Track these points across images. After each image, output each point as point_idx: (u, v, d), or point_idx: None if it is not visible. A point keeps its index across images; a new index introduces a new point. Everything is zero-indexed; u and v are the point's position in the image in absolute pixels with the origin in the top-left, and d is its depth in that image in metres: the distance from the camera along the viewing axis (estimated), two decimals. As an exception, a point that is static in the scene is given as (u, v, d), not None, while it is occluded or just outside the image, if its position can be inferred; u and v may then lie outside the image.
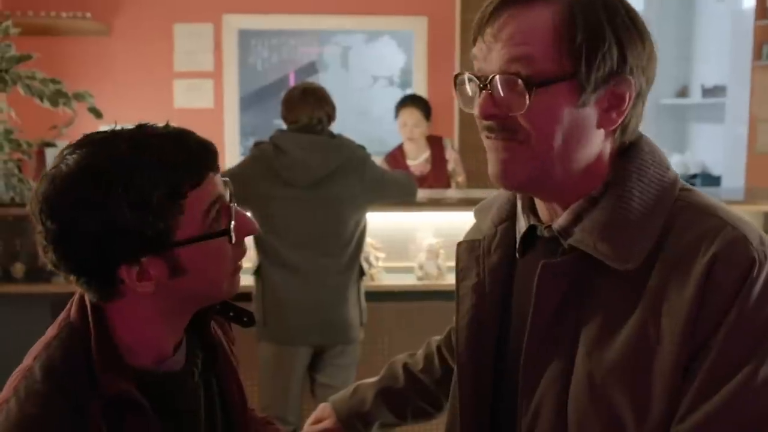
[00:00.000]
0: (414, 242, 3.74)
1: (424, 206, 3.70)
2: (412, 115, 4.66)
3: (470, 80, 1.14)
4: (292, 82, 5.93)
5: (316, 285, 3.11)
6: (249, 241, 3.11)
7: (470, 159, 4.80)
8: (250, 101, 6.03)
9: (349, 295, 3.16)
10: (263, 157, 3.08)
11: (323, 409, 1.63)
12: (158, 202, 1.07)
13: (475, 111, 1.12)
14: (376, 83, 6.11)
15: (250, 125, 6.00)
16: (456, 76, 1.17)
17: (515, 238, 1.25)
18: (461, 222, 3.73)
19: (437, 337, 1.61)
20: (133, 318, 1.15)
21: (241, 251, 1.21)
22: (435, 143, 4.75)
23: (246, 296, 3.13)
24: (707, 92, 5.45)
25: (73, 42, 5.75)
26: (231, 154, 5.77)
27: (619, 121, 1.11)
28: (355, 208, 3.14)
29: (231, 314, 1.33)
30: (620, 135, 1.13)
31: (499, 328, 1.24)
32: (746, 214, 1.12)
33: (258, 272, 3.17)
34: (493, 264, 1.26)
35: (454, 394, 1.31)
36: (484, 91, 1.10)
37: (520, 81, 1.06)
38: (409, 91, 5.68)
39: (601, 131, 1.11)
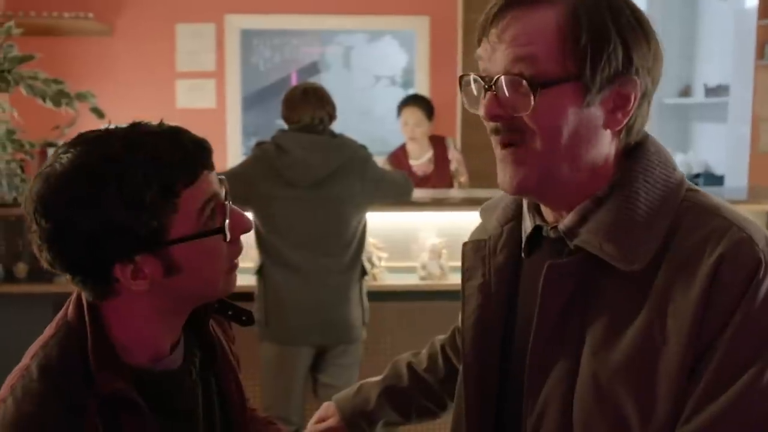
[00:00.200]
0: (417, 242, 3.74)
1: (426, 206, 3.70)
2: (413, 114, 4.66)
3: (475, 81, 1.14)
4: (294, 82, 5.93)
5: (318, 285, 3.11)
6: (252, 240, 3.12)
7: (473, 159, 4.80)
8: (252, 101, 6.03)
9: (351, 295, 3.16)
10: (265, 157, 3.08)
11: (327, 408, 1.63)
12: (152, 200, 1.07)
13: (481, 112, 1.12)
14: (378, 83, 6.11)
15: (253, 125, 6.00)
16: (461, 77, 1.17)
17: (521, 238, 1.25)
18: (464, 222, 3.73)
19: (441, 337, 1.61)
20: (129, 317, 1.16)
21: (236, 249, 1.21)
22: (438, 143, 4.75)
23: (248, 296, 3.13)
24: (710, 92, 5.44)
25: (76, 42, 5.75)
26: (233, 154, 5.77)
27: (625, 122, 1.11)
28: (356, 207, 3.14)
29: (229, 313, 1.33)
30: (626, 135, 1.13)
31: (504, 328, 1.24)
32: (749, 214, 1.12)
33: (260, 272, 3.17)
34: (499, 264, 1.26)
35: (460, 393, 1.31)
36: (489, 92, 1.10)
37: (524, 82, 1.06)
38: (411, 91, 5.68)
39: (607, 132, 1.11)
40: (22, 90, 3.32)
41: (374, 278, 3.55)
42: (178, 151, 1.10)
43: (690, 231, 1.06)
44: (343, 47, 6.11)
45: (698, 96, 5.69)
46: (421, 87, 5.90)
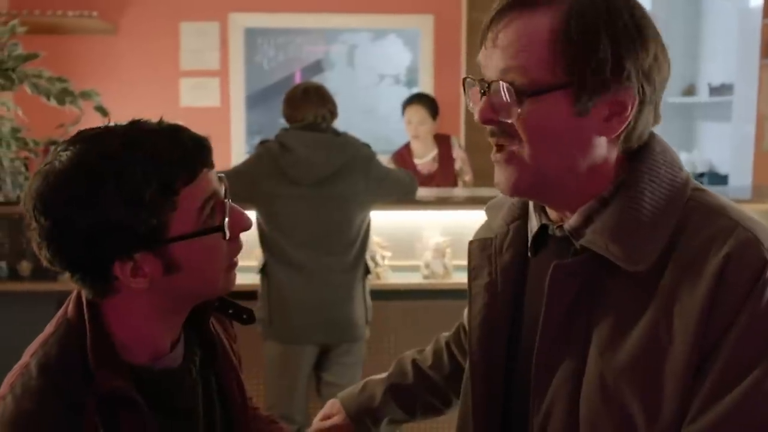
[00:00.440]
0: (420, 241, 3.74)
1: (430, 205, 3.70)
2: (417, 113, 4.66)
3: (473, 85, 1.15)
4: (298, 81, 5.93)
5: (322, 283, 3.11)
6: (255, 239, 3.12)
7: (477, 158, 4.79)
8: (256, 100, 6.03)
9: (354, 294, 3.16)
10: (268, 155, 3.08)
11: (332, 405, 1.63)
12: (151, 198, 1.07)
13: (475, 115, 1.13)
14: (382, 82, 6.11)
15: (257, 124, 6.00)
16: (464, 79, 1.18)
17: (527, 236, 1.25)
18: (468, 221, 3.73)
19: (446, 333, 1.62)
20: (129, 315, 1.16)
21: (236, 247, 1.21)
22: (442, 142, 4.74)
23: (251, 294, 3.13)
24: (714, 90, 5.42)
25: (80, 41, 5.76)
26: (237, 153, 5.78)
27: (621, 129, 1.09)
28: (359, 206, 3.14)
29: (230, 311, 1.33)
30: (625, 141, 1.12)
31: (511, 327, 1.24)
32: (753, 213, 1.12)
33: (263, 271, 3.17)
34: (505, 263, 1.26)
35: (466, 392, 1.31)
36: (484, 96, 1.11)
37: (513, 89, 1.06)
38: (415, 90, 5.67)
39: (603, 138, 1.10)
40: (27, 88, 3.33)
41: (378, 277, 3.55)
42: (178, 149, 1.10)
43: (696, 231, 1.06)
44: (347, 46, 6.11)
45: (702, 95, 5.67)
46: (425, 86, 5.90)
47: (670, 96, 5.77)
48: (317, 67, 6.11)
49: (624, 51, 1.06)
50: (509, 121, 1.08)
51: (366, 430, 1.60)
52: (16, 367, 1.13)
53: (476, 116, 1.12)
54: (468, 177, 4.71)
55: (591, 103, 1.06)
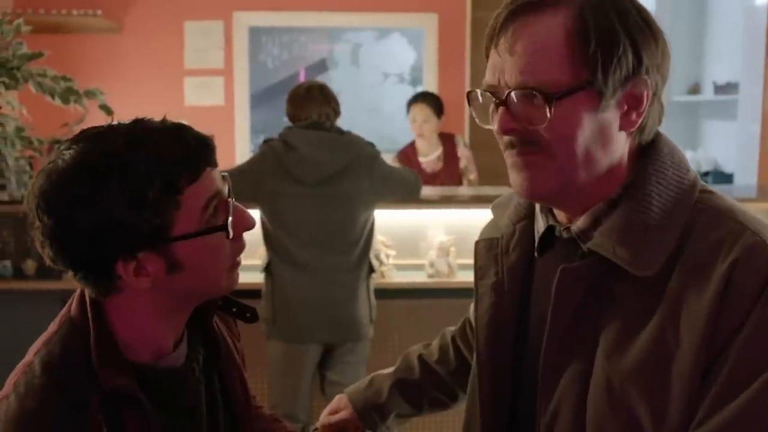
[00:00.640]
0: (425, 240, 3.74)
1: (435, 203, 3.70)
2: (421, 111, 4.65)
3: (484, 96, 1.13)
4: (302, 79, 5.93)
5: (326, 282, 3.10)
6: (259, 238, 3.12)
7: (482, 156, 4.79)
8: (260, 98, 6.03)
9: (358, 293, 3.16)
10: (272, 154, 3.08)
11: (339, 400, 1.64)
12: (154, 197, 1.06)
13: (494, 127, 1.11)
14: (386, 80, 6.10)
15: (261, 122, 6.00)
16: (469, 93, 1.16)
17: (533, 236, 1.25)
18: (472, 219, 3.72)
19: (452, 328, 1.62)
20: (132, 313, 1.15)
21: (239, 246, 1.20)
22: (447, 140, 4.74)
23: (255, 293, 3.13)
24: (719, 89, 5.41)
25: (84, 39, 5.76)
26: (241, 152, 5.78)
27: (639, 122, 1.10)
28: (363, 205, 3.14)
29: (234, 310, 1.33)
30: (639, 134, 1.13)
31: (517, 327, 1.24)
32: (758, 212, 1.11)
33: (267, 269, 3.17)
34: (512, 263, 1.26)
35: (474, 390, 1.31)
36: (501, 107, 1.09)
37: (538, 95, 1.05)
38: (419, 89, 5.67)
39: (622, 133, 1.11)
40: (31, 87, 3.33)
41: (382, 276, 3.54)
42: (181, 148, 1.10)
43: (703, 234, 1.06)
44: (352, 44, 6.11)
45: (707, 93, 5.66)
46: (430, 84, 5.89)
47: (676, 94, 5.76)
48: (321, 65, 6.10)
49: (640, 45, 1.06)
50: (537, 127, 1.07)
51: (373, 425, 1.60)
52: (20, 366, 1.13)
53: (495, 128, 1.11)
54: (473, 175, 4.70)
55: (614, 99, 1.07)
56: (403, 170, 3.58)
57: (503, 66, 1.09)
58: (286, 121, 3.26)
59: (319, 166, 3.05)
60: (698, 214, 1.08)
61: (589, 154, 1.09)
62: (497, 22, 1.10)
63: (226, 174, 1.19)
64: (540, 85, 1.05)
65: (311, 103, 3.16)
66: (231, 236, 1.15)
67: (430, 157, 4.70)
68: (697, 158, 5.60)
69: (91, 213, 1.05)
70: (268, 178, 3.06)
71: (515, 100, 1.08)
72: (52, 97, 3.34)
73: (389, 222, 3.61)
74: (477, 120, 1.17)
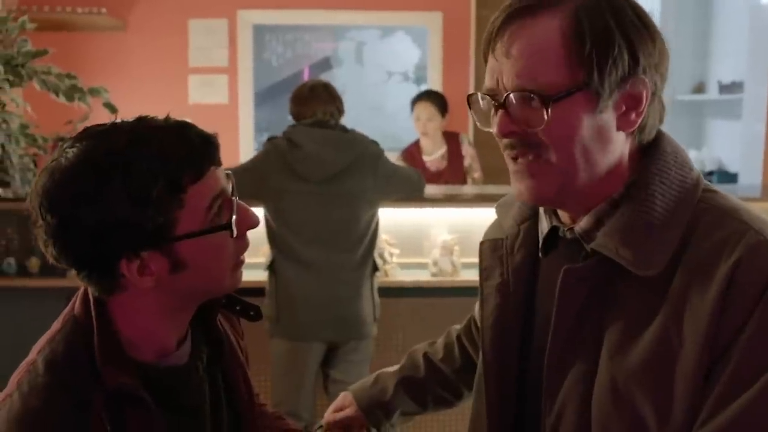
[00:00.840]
0: (428, 238, 3.74)
1: (439, 202, 3.69)
2: (425, 109, 4.65)
3: (484, 99, 1.14)
4: (306, 78, 5.93)
5: (330, 281, 3.10)
6: (263, 236, 3.12)
7: (487, 155, 4.78)
8: (264, 97, 6.03)
9: (362, 291, 3.16)
10: (276, 152, 3.08)
11: (344, 397, 1.65)
12: (158, 195, 1.06)
13: (494, 129, 1.12)
14: (390, 79, 6.10)
15: (265, 121, 6.00)
16: (469, 96, 1.17)
17: (537, 237, 1.25)
18: (476, 218, 3.72)
19: (457, 326, 1.63)
20: (135, 312, 1.15)
21: (243, 245, 1.20)
22: (451, 139, 4.74)
23: (259, 291, 3.13)
24: (724, 88, 5.39)
25: (89, 37, 5.77)
26: (245, 150, 5.78)
27: (638, 122, 1.10)
28: (367, 203, 3.14)
29: (237, 308, 1.33)
30: (639, 134, 1.13)
31: (523, 327, 1.24)
32: (763, 212, 1.11)
33: (271, 267, 3.17)
34: (517, 264, 1.27)
35: (480, 391, 1.32)
36: (500, 110, 1.10)
37: (535, 97, 1.05)
38: (423, 87, 5.67)
39: (621, 133, 1.11)
40: (36, 85, 3.33)
41: (386, 274, 3.54)
42: (185, 146, 1.09)
43: (706, 234, 1.06)
44: (356, 43, 6.10)
45: (712, 93, 5.65)
46: (434, 83, 5.89)
47: (680, 94, 5.75)
48: (326, 64, 6.10)
49: (637, 45, 1.06)
50: (535, 130, 1.07)
51: (378, 422, 1.61)
52: (23, 365, 1.12)
53: (494, 130, 1.11)
54: (477, 174, 4.70)
55: (611, 99, 1.07)
56: (407, 169, 3.58)
57: (501, 69, 1.09)
58: (289, 120, 3.26)
59: (324, 164, 3.05)
60: (701, 213, 1.08)
61: (588, 155, 1.09)
62: (494, 27, 1.10)
63: (230, 172, 1.19)
64: (537, 88, 1.06)
65: (316, 101, 3.16)
66: (235, 235, 1.15)
67: (434, 155, 4.70)
68: (701, 158, 5.59)
69: (94, 211, 1.05)
70: (273, 175, 3.06)
71: (513, 102, 1.08)
72: (57, 94, 3.35)
73: (393, 220, 3.61)
74: (478, 123, 1.18)
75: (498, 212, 1.36)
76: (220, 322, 1.31)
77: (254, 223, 1.19)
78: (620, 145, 1.12)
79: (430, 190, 3.69)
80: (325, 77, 5.75)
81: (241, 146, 5.85)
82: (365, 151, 3.13)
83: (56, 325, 1.16)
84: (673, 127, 1.14)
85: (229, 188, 1.17)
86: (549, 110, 1.05)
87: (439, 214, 3.78)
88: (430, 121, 4.64)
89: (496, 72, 1.10)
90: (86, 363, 1.10)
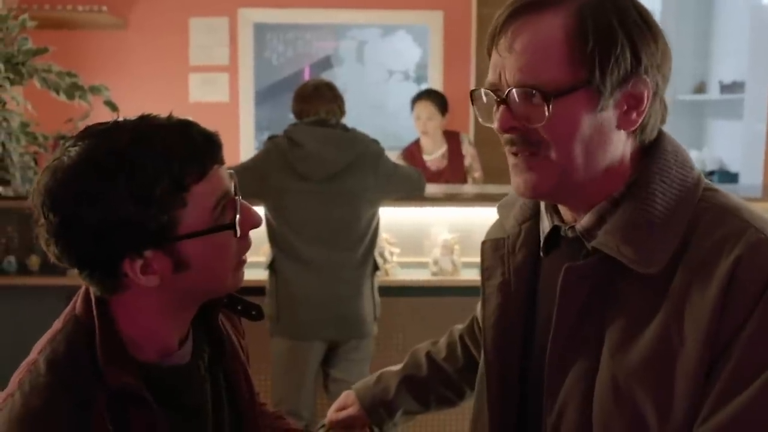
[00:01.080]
0: (429, 237, 3.73)
1: (439, 201, 3.69)
2: (426, 108, 4.65)
3: (486, 94, 1.14)
4: (307, 77, 5.93)
5: (331, 280, 3.10)
6: (263, 235, 3.12)
7: (487, 154, 4.78)
8: (265, 95, 6.03)
9: (363, 290, 3.16)
10: (277, 150, 3.08)
11: (346, 396, 1.65)
12: (161, 194, 1.05)
13: (495, 125, 1.12)
14: (391, 78, 6.10)
15: (266, 119, 6.00)
16: (472, 92, 1.17)
17: (539, 236, 1.25)
18: (477, 217, 3.72)
19: (460, 326, 1.63)
20: (137, 311, 1.15)
21: (245, 245, 1.19)
22: (452, 138, 4.73)
23: (260, 290, 3.13)
24: (725, 88, 5.39)
25: (89, 35, 5.77)
26: (246, 149, 5.78)
27: (640, 121, 1.11)
28: (368, 202, 3.14)
29: (239, 308, 1.32)
30: (640, 134, 1.13)
31: (524, 327, 1.25)
32: (764, 212, 1.11)
33: (272, 266, 3.17)
34: (518, 263, 1.27)
35: (481, 390, 1.32)
36: (502, 105, 1.10)
37: (537, 93, 1.06)
38: (424, 86, 5.66)
39: (622, 132, 1.11)
40: (36, 83, 3.33)
41: (386, 273, 3.54)
42: (188, 145, 1.09)
43: (707, 232, 1.06)
44: (357, 42, 6.10)
45: (713, 93, 5.64)
46: (435, 82, 5.89)
47: (681, 94, 5.75)
48: (326, 62, 6.10)
49: (639, 44, 1.07)
50: (535, 126, 1.08)
51: (380, 421, 1.62)
52: (24, 364, 1.12)
53: (496, 126, 1.12)
54: (477, 174, 4.70)
55: (612, 98, 1.07)
56: (408, 168, 3.58)
57: (503, 64, 1.10)
58: (290, 118, 3.26)
59: (325, 163, 3.05)
60: (702, 212, 1.09)
61: (587, 152, 1.09)
62: (498, 22, 1.11)
63: (233, 171, 1.18)
64: (538, 84, 1.06)
65: (319, 100, 3.17)
66: (238, 234, 1.14)
67: (434, 155, 4.70)
68: (702, 157, 5.58)
69: (96, 210, 1.04)
70: (273, 174, 3.06)
71: (515, 98, 1.08)
72: (57, 92, 3.35)
73: (393, 220, 3.61)
74: (480, 118, 1.18)
75: (499, 212, 1.36)
76: (221, 322, 1.31)
77: (257, 223, 1.19)
78: (621, 144, 1.12)
79: (431, 189, 3.69)
80: (325, 76, 5.75)
81: (241, 145, 5.85)
82: (366, 150, 3.13)
83: (57, 325, 1.16)
84: (674, 127, 1.14)
85: (233, 188, 1.16)
86: (550, 107, 1.06)
87: (439, 214, 3.78)
88: (430, 120, 4.64)
89: (498, 67, 1.11)
90: (88, 362, 1.10)
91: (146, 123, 1.11)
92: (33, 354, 1.13)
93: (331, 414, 1.64)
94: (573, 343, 1.12)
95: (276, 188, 3.06)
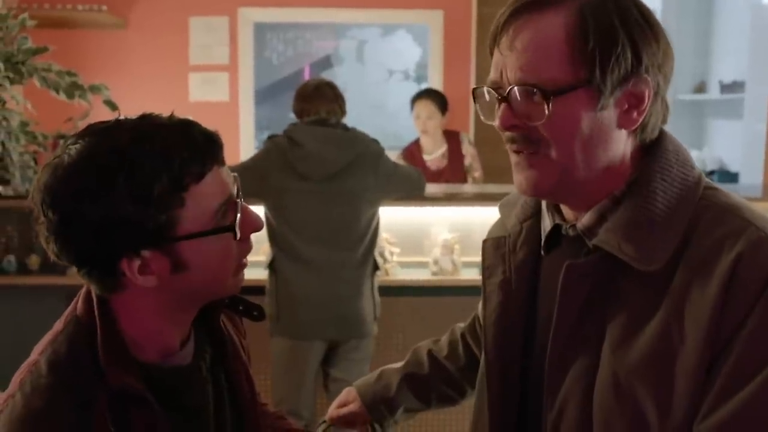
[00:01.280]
0: (429, 237, 3.73)
1: (439, 201, 3.69)
2: (425, 107, 4.64)
3: (488, 92, 1.15)
4: (307, 76, 5.93)
5: (331, 279, 3.10)
6: (263, 234, 3.11)
7: (487, 154, 4.78)
8: (265, 95, 6.03)
9: (363, 290, 3.16)
10: (277, 150, 3.08)
11: (348, 393, 1.66)
12: (159, 194, 1.05)
13: (496, 123, 1.13)
14: (391, 77, 6.10)
15: (266, 119, 6.00)
16: (474, 90, 1.18)
17: (540, 234, 1.26)
18: (477, 217, 3.71)
19: (461, 324, 1.63)
20: (137, 312, 1.14)
21: (246, 248, 1.19)
22: (452, 138, 4.73)
23: (260, 290, 3.13)
24: (725, 88, 5.39)
25: (89, 35, 5.77)
26: (246, 148, 5.78)
27: (640, 120, 1.11)
28: (368, 202, 3.14)
29: (240, 308, 1.32)
30: (641, 133, 1.13)
31: (525, 325, 1.25)
32: (765, 211, 1.11)
33: (272, 266, 3.17)
34: (519, 261, 1.27)
35: (482, 388, 1.32)
36: (503, 103, 1.11)
37: (537, 92, 1.06)
38: (424, 86, 5.66)
39: (623, 131, 1.12)
40: (36, 82, 3.33)
41: (386, 273, 3.54)
42: (189, 145, 1.08)
43: (708, 230, 1.07)
44: (357, 41, 6.10)
45: (713, 92, 5.64)
46: (435, 81, 5.89)
47: (681, 93, 5.75)
48: (326, 62, 6.10)
49: (640, 44, 1.07)
50: (535, 124, 1.08)
51: (381, 418, 1.62)
52: (25, 365, 1.12)
53: (497, 123, 1.13)
54: (477, 173, 4.70)
55: (612, 97, 1.08)
56: (408, 167, 3.58)
57: (505, 62, 1.10)
58: (290, 118, 3.26)
59: (325, 163, 3.05)
60: (703, 210, 1.09)
61: (587, 151, 1.10)
62: (500, 21, 1.11)
63: (236, 174, 1.18)
64: (539, 82, 1.07)
65: (321, 99, 3.16)
66: (238, 237, 1.14)
67: (434, 154, 4.70)
68: (702, 157, 5.58)
69: (96, 208, 1.04)
70: (273, 174, 3.06)
71: (516, 96, 1.09)
72: (57, 92, 3.35)
73: (393, 219, 3.60)
74: (481, 116, 1.19)
75: (501, 211, 1.37)
76: (222, 322, 1.30)
77: (258, 227, 1.18)
78: (622, 143, 1.12)
79: (431, 189, 3.69)
80: (325, 75, 5.75)
81: (241, 144, 5.84)
82: (366, 149, 3.13)
83: (58, 325, 1.16)
84: (674, 127, 1.14)
85: (235, 190, 1.16)
86: (550, 105, 1.06)
87: (439, 213, 3.78)
88: (430, 119, 4.64)
89: (500, 65, 1.11)
90: (89, 363, 1.09)
91: (147, 122, 1.11)
92: (34, 355, 1.13)
93: (332, 410, 1.65)
94: (574, 341, 1.12)
95: (276, 188, 3.06)
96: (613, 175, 1.13)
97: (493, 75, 1.13)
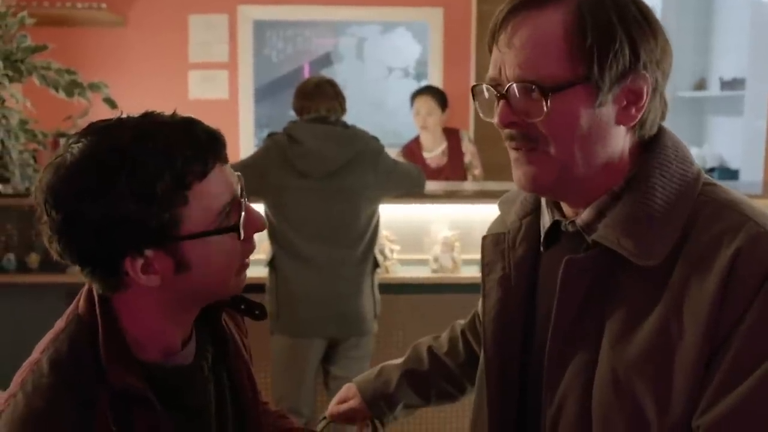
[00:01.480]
0: (429, 235, 3.73)
1: (439, 198, 3.69)
2: (425, 103, 4.64)
3: (487, 90, 1.15)
4: (306, 74, 5.94)
5: (331, 277, 3.10)
6: (263, 232, 3.11)
7: (487, 151, 4.78)
8: (264, 92, 6.03)
9: (363, 288, 3.16)
10: (276, 147, 3.08)
11: (348, 389, 1.66)
12: (162, 192, 1.05)
13: (495, 120, 1.13)
14: (391, 75, 6.10)
15: (265, 116, 6.00)
16: (473, 87, 1.18)
17: (540, 231, 1.26)
18: (477, 215, 3.71)
19: (462, 321, 1.63)
20: (139, 311, 1.14)
21: (249, 248, 1.19)
22: (451, 135, 4.73)
23: (259, 288, 3.13)
24: (726, 85, 5.39)
25: (89, 33, 5.76)
26: (246, 146, 5.78)
27: (639, 117, 1.11)
28: (368, 199, 3.14)
29: (242, 307, 1.32)
30: (639, 129, 1.14)
31: (524, 321, 1.25)
32: (765, 208, 1.11)
33: (272, 264, 3.17)
34: (519, 257, 1.27)
35: (481, 385, 1.32)
36: (502, 100, 1.11)
37: (536, 88, 1.07)
38: (424, 83, 5.66)
39: (621, 128, 1.12)
40: (35, 80, 3.33)
41: (386, 271, 3.54)
42: (191, 143, 1.08)
43: (707, 226, 1.07)
44: (357, 38, 6.11)
45: (714, 89, 5.64)
46: (435, 79, 5.88)
47: (681, 90, 5.75)
48: (326, 59, 6.11)
49: (638, 40, 1.08)
50: (534, 121, 1.08)
51: (381, 414, 1.62)
52: (26, 364, 1.11)
53: (496, 120, 1.13)
54: (477, 171, 4.69)
55: (611, 93, 1.08)
56: (407, 165, 3.58)
57: (503, 59, 1.11)
58: (290, 115, 3.26)
59: (325, 160, 3.05)
60: (702, 206, 1.09)
61: (586, 147, 1.10)
62: (499, 18, 1.12)
63: (239, 174, 1.17)
64: (537, 79, 1.07)
65: (321, 97, 3.16)
66: (242, 237, 1.14)
67: (434, 152, 4.69)
68: (702, 154, 5.58)
69: (99, 207, 1.04)
70: (273, 171, 3.06)
71: (515, 93, 1.09)
72: (56, 90, 3.34)
73: (393, 217, 3.60)
74: (481, 113, 1.19)
75: (500, 208, 1.37)
76: (224, 321, 1.30)
77: (261, 227, 1.18)
78: (620, 140, 1.13)
79: (431, 186, 3.69)
80: (325, 73, 5.75)
81: (241, 142, 5.84)
82: (366, 147, 3.13)
83: (60, 324, 1.15)
84: (674, 124, 1.15)
85: (239, 191, 1.15)
86: (548, 102, 1.06)
87: (439, 211, 3.78)
88: (430, 116, 4.64)
89: (499, 62, 1.12)
90: (91, 362, 1.09)
91: (149, 120, 1.11)
92: (36, 353, 1.12)
93: (332, 407, 1.65)
94: (573, 336, 1.13)
95: (276, 185, 3.06)
96: (612, 171, 1.13)
97: (491, 72, 1.13)
